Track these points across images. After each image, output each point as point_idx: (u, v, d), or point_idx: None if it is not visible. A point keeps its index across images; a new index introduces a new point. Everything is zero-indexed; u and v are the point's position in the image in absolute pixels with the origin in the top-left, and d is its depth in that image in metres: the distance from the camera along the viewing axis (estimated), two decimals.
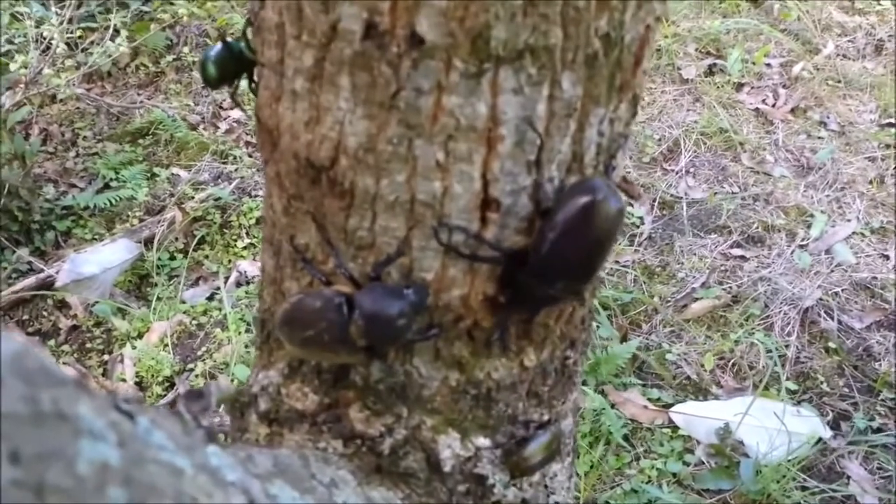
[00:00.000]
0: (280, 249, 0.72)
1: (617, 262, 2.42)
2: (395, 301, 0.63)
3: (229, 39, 0.69)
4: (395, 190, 0.61)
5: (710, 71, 2.98)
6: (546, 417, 0.76)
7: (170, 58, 3.16)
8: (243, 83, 0.71)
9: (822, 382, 2.12)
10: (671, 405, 2.08)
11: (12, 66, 2.65)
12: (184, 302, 2.54)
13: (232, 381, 2.12)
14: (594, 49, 0.57)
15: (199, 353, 2.32)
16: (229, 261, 2.62)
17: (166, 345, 2.39)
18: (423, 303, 0.65)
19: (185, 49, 3.16)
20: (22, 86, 2.66)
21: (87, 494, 0.29)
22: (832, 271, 2.34)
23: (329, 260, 0.67)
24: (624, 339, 2.23)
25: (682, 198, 2.57)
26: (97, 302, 2.51)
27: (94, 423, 0.31)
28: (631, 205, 2.58)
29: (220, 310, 2.48)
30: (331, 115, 0.60)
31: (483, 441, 0.72)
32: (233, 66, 0.69)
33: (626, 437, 2.03)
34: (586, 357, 2.18)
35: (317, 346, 0.65)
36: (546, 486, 0.80)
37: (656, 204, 2.57)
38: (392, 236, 0.63)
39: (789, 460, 1.91)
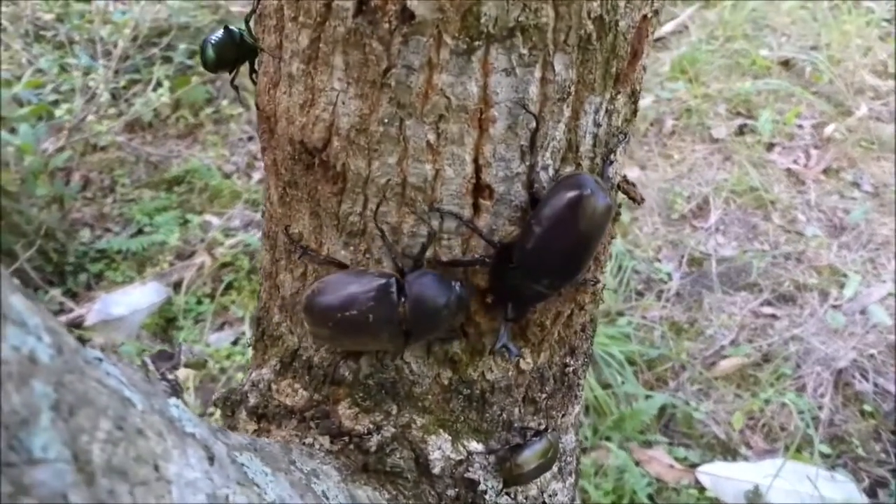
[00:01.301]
0: (276, 242, 0.72)
1: (644, 317, 2.37)
2: (446, 291, 0.63)
3: (231, 27, 0.71)
4: (387, 172, 0.61)
5: (741, 131, 2.97)
6: (543, 427, 0.74)
7: (209, 110, 3.25)
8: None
9: (857, 447, 2.02)
10: (698, 465, 2.01)
11: (58, 112, 2.76)
12: (209, 345, 2.54)
13: None
14: (587, 31, 0.57)
15: None
16: (255, 306, 2.63)
17: (188, 388, 2.38)
18: (467, 300, 0.65)
19: (224, 102, 3.25)
20: (65, 132, 2.75)
21: (7, 378, 0.28)
22: (867, 332, 2.26)
23: (322, 248, 0.66)
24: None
25: (711, 255, 2.54)
26: (123, 343, 2.53)
27: (28, 318, 0.31)
28: (658, 260, 2.55)
29: (243, 354, 2.47)
30: (324, 95, 0.60)
31: (475, 445, 0.70)
32: (232, 51, 0.70)
33: (650, 497, 1.95)
34: (611, 413, 2.12)
35: (355, 327, 0.64)
36: (544, 503, 0.77)
37: (685, 260, 2.53)
38: (383, 221, 0.63)
39: None
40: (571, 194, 0.60)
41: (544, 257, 0.61)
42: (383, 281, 0.63)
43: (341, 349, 0.69)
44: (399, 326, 0.63)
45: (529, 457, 0.70)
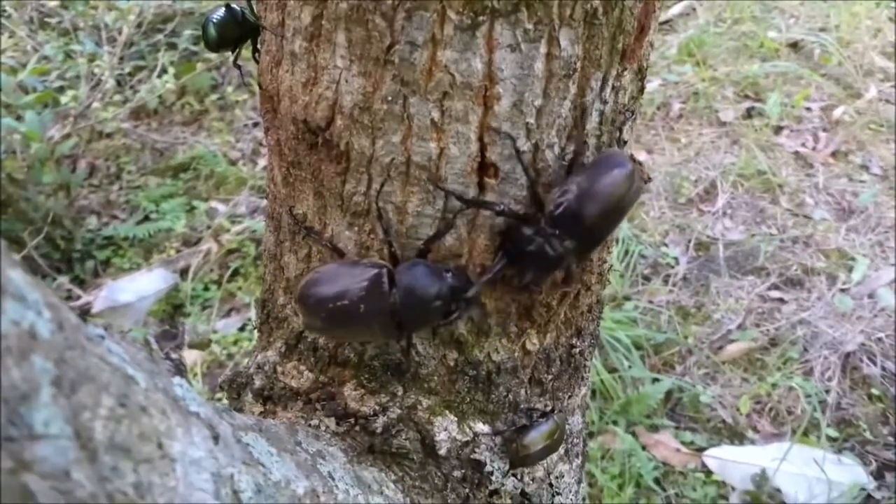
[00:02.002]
0: (280, 224, 0.71)
1: (651, 301, 2.37)
2: (435, 281, 0.62)
3: (233, 5, 0.70)
4: (391, 151, 0.60)
5: (749, 114, 2.95)
6: (550, 409, 0.73)
7: (214, 97, 3.24)
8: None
9: (864, 430, 2.02)
10: (705, 449, 2.00)
11: (63, 99, 2.75)
12: (216, 332, 2.55)
13: None
14: (593, 5, 0.56)
15: None
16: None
17: (196, 374, 2.39)
18: (464, 289, 0.63)
19: (229, 89, 3.24)
20: (71, 119, 2.75)
21: (6, 353, 0.28)
22: (875, 316, 2.25)
23: (327, 229, 0.66)
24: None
25: (718, 239, 2.52)
26: (131, 329, 2.53)
27: (28, 292, 0.30)
28: (665, 244, 2.54)
29: (250, 340, 2.48)
30: (327, 73, 0.59)
31: (482, 427, 0.70)
32: (234, 30, 0.69)
33: (656, 481, 1.95)
34: (617, 397, 2.12)
35: (347, 317, 0.63)
36: (551, 485, 0.76)
37: (692, 245, 2.52)
38: (388, 201, 0.62)
39: None
40: (621, 165, 0.63)
41: (578, 218, 0.61)
42: (375, 271, 0.62)
43: (334, 340, 0.69)
44: (390, 317, 0.62)
45: (536, 438, 0.70)
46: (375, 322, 0.63)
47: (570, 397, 0.76)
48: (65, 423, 0.31)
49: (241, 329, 2.54)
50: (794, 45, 3.25)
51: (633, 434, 2.04)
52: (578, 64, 0.59)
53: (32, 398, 0.29)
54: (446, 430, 0.68)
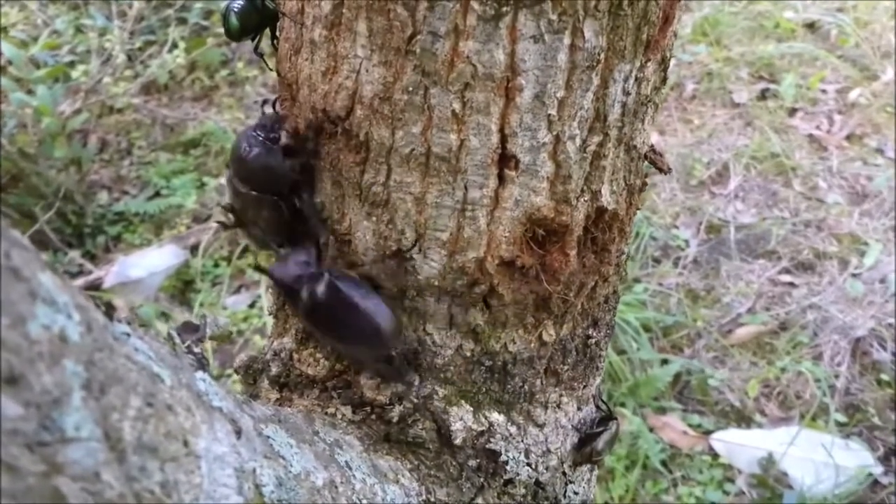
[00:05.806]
0: None
1: (660, 284, 2.36)
2: (244, 136, 0.66)
3: None
4: (411, 142, 0.60)
5: (763, 95, 2.92)
6: (565, 399, 0.73)
7: (224, 72, 3.23)
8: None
9: (873, 416, 2.02)
10: (712, 432, 2.01)
11: (74, 74, 2.74)
12: (225, 308, 2.56)
13: None
14: None
15: None
16: None
17: (206, 349, 2.39)
18: (270, 118, 0.67)
19: (240, 64, 3.22)
20: (82, 93, 2.74)
21: (38, 358, 0.28)
22: (887, 301, 2.24)
23: (345, 218, 0.66)
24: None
25: (729, 221, 2.51)
26: (142, 305, 2.55)
27: (57, 295, 0.30)
28: (676, 226, 2.53)
29: (259, 317, 2.49)
30: (347, 63, 0.59)
31: (497, 416, 0.70)
32: (255, 18, 0.69)
33: (663, 463, 1.96)
34: (626, 379, 2.12)
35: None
36: (564, 474, 0.77)
37: (703, 227, 2.51)
38: (407, 192, 0.62)
39: (836, 495, 1.82)
40: None
41: None
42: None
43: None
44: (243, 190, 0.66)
45: (608, 439, 0.73)
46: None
47: (584, 387, 0.77)
48: (95, 426, 0.31)
49: (251, 306, 2.55)
50: (811, 26, 3.21)
51: (641, 416, 2.04)
52: (602, 55, 0.58)
53: (64, 402, 0.29)
54: (462, 419, 0.68)
